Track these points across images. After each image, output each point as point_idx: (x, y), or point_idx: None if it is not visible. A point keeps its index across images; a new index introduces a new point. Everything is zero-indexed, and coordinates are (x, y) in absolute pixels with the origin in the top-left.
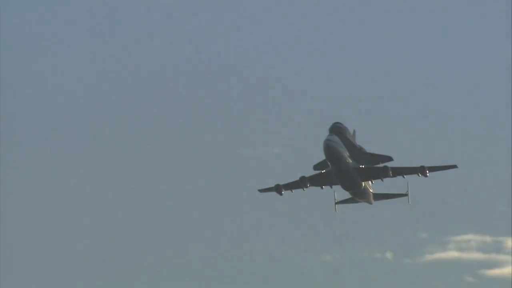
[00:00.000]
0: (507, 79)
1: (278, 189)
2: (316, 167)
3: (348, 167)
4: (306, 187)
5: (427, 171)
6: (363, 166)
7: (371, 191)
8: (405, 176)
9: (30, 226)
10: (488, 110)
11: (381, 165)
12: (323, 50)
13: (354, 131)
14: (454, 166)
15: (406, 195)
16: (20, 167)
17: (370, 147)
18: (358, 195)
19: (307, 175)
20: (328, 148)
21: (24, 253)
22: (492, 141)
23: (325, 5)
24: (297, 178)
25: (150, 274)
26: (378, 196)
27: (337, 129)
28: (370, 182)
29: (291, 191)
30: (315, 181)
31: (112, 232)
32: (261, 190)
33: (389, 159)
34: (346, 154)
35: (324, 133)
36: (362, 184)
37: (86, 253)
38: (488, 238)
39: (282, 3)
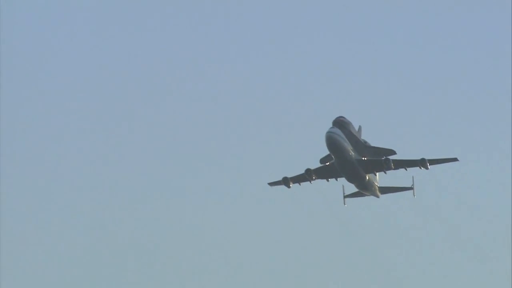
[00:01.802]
0: (507, 72)
1: (286, 182)
2: (322, 160)
3: (351, 159)
4: (313, 179)
5: (428, 164)
6: (365, 158)
7: (376, 184)
8: (407, 169)
9: (30, 226)
10: (489, 104)
11: (383, 157)
12: (331, 47)
13: (360, 127)
14: (455, 159)
15: (411, 188)
16: (20, 168)
17: (376, 143)
18: (363, 187)
19: (312, 167)
20: (329, 139)
21: (24, 253)
22: (494, 134)
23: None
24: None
25: (157, 273)
26: (384, 190)
27: (339, 123)
28: (375, 175)
29: (299, 184)
30: (320, 173)
31: (116, 231)
32: (270, 184)
33: (393, 152)
34: (348, 146)
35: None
36: (366, 177)
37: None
38: None
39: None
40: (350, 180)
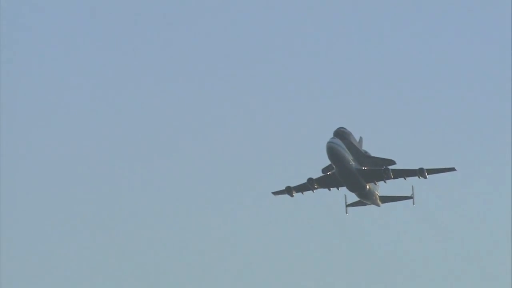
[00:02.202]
0: (506, 82)
1: (289, 191)
2: (324, 170)
3: (351, 168)
4: (315, 189)
5: (426, 173)
6: (365, 168)
7: (377, 193)
8: (407, 178)
9: (30, 226)
10: (488, 114)
11: (383, 167)
12: (332, 59)
13: (361, 138)
14: (453, 169)
15: (411, 197)
16: (20, 168)
17: (377, 153)
18: (364, 196)
19: (314, 177)
20: (330, 149)
21: (24, 253)
22: (492, 144)
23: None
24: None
25: (160, 280)
26: (385, 199)
27: (340, 133)
28: (375, 184)
29: (302, 193)
30: (322, 182)
31: (118, 235)
32: (274, 193)
33: (392, 162)
34: (348, 156)
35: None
36: (366, 186)
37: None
38: None
39: (287, 6)
40: (351, 189)
